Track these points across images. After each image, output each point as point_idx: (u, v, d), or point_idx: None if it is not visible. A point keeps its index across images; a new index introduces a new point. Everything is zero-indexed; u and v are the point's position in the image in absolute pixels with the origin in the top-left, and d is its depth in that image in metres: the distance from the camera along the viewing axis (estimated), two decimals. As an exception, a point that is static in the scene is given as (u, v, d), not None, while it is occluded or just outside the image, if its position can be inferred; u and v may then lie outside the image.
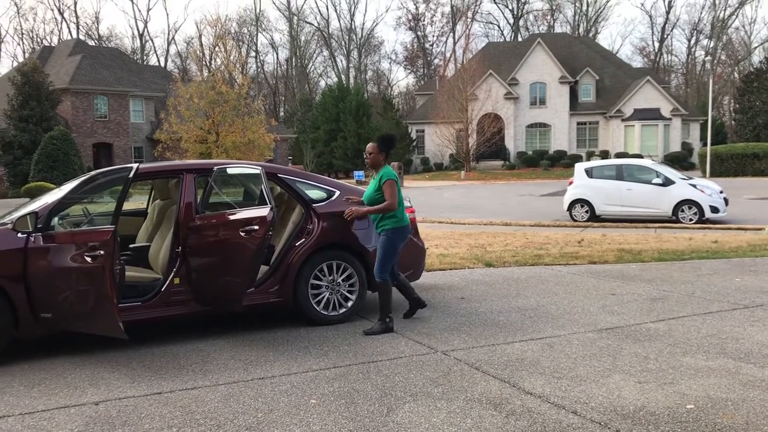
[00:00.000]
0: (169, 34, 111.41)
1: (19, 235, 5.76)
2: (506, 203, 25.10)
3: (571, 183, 18.53)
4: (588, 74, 55.56)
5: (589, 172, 18.22)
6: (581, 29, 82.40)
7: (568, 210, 18.17)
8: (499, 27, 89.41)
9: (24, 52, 75.99)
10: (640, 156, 45.65)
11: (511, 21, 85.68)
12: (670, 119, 52.58)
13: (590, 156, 51.57)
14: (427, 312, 7.36)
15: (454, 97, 51.12)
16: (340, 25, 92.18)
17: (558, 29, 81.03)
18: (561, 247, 12.27)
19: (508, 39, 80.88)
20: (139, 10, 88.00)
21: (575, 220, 17.77)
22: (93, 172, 6.58)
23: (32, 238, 5.75)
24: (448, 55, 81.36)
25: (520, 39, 75.25)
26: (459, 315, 7.19)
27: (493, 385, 4.96)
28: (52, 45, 62.37)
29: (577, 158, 48.34)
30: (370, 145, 6.79)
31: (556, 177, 43.43)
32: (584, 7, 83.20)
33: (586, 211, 17.83)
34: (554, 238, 13.61)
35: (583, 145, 55.59)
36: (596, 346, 5.96)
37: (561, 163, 51.57)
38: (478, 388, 4.91)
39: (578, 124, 55.80)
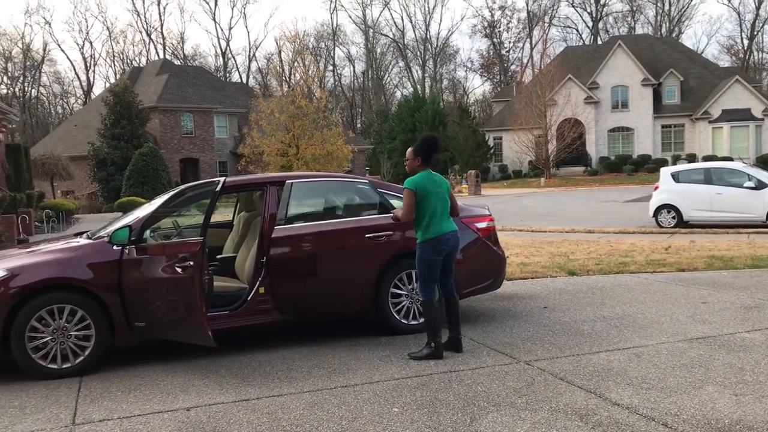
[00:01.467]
0: (250, 51, 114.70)
1: (115, 247, 6.05)
2: (589, 210, 24.53)
3: (656, 188, 17.95)
4: (672, 75, 53.73)
5: (676, 177, 17.60)
6: (664, 29, 79.82)
7: (653, 216, 17.59)
8: (577, 30, 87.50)
9: (115, 74, 79.85)
10: (729, 159, 43.72)
11: (590, 24, 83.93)
12: (762, 119, 50.15)
13: (676, 160, 49.77)
14: (509, 321, 7.28)
15: (532, 103, 50.41)
16: (415, 35, 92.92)
17: (639, 30, 78.77)
18: (647, 254, 11.90)
19: (587, 42, 79.21)
20: (222, 30, 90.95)
21: (662, 227, 17.19)
22: (182, 187, 6.84)
23: (126, 251, 6.03)
24: (525, 60, 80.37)
25: (599, 42, 73.55)
26: (542, 324, 7.07)
27: (579, 396, 4.86)
28: (141, 66, 65.27)
29: (662, 162, 46.76)
30: (408, 151, 6.45)
31: (641, 182, 42.11)
32: (666, 7, 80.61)
33: (673, 217, 17.21)
34: (640, 245, 13.21)
35: (668, 148, 53.72)
36: (687, 356, 5.74)
37: (645, 167, 49.99)
38: (563, 398, 4.82)
39: (663, 127, 54.00)
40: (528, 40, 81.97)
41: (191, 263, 5.66)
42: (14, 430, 4.61)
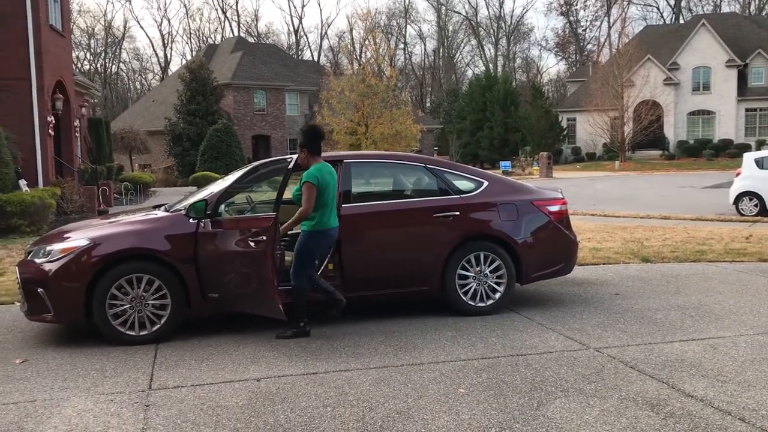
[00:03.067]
0: (321, 29, 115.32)
1: (191, 220, 6.23)
2: (665, 195, 23.77)
3: (738, 174, 17.22)
4: (760, 56, 51.14)
5: (760, 163, 16.83)
6: (752, 7, 75.99)
7: (734, 203, 16.92)
8: (658, 9, 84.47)
9: (191, 51, 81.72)
10: (819, 145, 41.50)
11: (672, 2, 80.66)
12: None
13: (761, 145, 47.56)
14: (579, 307, 7.16)
15: (608, 83, 48.99)
16: (488, 13, 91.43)
17: (725, 9, 75.20)
18: (726, 242, 11.46)
19: (668, 21, 76.24)
20: (295, 7, 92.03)
21: (742, 215, 16.51)
22: (255, 163, 6.97)
23: (202, 224, 6.20)
24: (602, 40, 78.10)
25: (681, 21, 70.69)
26: (613, 311, 6.93)
27: (650, 385, 4.75)
28: (216, 43, 66.59)
29: (745, 147, 44.75)
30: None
31: (721, 168, 40.52)
32: (756, -17, 76.57)
33: (756, 205, 16.50)
34: (718, 233, 12.73)
35: (752, 133, 51.33)
36: (767, 349, 5.53)
37: (726, 152, 48.02)
38: (634, 387, 4.72)
39: (747, 110, 51.62)
40: (606, 18, 79.54)
41: (264, 238, 5.79)
42: (96, 392, 4.85)
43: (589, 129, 51.64)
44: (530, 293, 7.82)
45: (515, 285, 7.05)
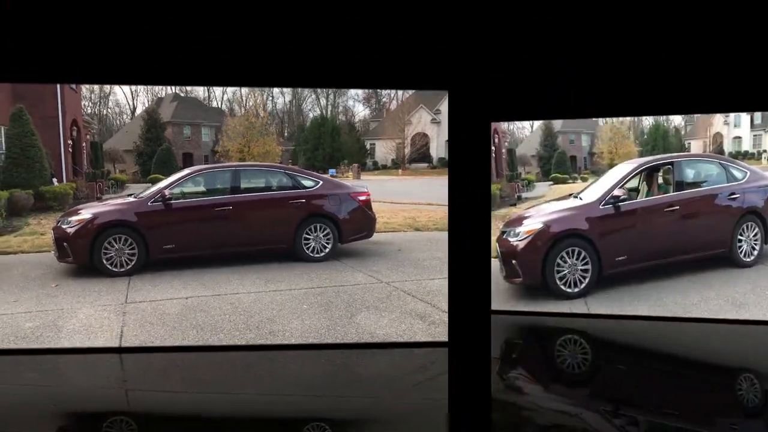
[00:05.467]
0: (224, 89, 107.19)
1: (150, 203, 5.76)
2: (430, 190, 23.01)
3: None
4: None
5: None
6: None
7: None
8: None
9: (148, 101, 72.11)
10: None
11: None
12: None
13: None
14: (376, 257, 6.76)
15: (395, 122, 49.54)
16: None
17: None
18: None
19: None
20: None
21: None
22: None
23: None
24: (392, 95, 79.49)
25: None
26: (397, 260, 6.56)
27: (420, 305, 4.47)
28: (162, 96, 59.13)
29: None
30: None
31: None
32: None
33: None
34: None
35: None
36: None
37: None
38: (410, 305, 4.47)
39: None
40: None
41: None
42: (96, 304, 4.28)
43: (384, 150, 51.47)
44: (349, 250, 7.56)
45: (338, 244, 6.77)
